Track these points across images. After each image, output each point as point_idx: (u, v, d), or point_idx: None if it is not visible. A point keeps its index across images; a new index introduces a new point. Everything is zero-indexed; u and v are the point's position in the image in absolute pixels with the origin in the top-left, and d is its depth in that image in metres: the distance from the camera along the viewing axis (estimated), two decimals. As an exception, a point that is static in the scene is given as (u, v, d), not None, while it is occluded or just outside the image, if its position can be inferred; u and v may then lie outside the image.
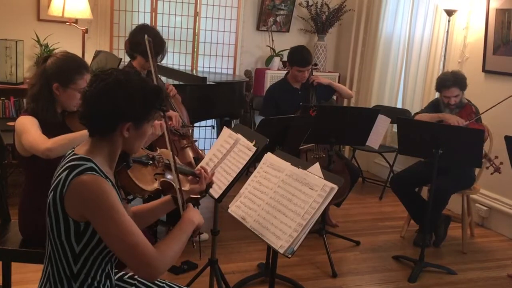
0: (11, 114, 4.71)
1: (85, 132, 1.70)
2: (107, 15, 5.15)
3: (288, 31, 6.05)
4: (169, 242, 1.65)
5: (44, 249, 1.72)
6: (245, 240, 3.75)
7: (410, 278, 3.45)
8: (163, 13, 5.31)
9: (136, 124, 1.65)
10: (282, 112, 3.82)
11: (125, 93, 1.61)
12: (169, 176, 1.97)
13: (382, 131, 4.25)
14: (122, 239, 1.54)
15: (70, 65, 2.35)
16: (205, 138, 5.41)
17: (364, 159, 5.76)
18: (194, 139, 3.90)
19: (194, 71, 5.48)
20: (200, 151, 3.61)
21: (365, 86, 5.82)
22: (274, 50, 5.89)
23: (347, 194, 4.13)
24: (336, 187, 1.96)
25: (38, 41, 4.96)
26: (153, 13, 5.28)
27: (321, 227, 3.78)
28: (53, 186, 1.61)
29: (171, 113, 3.35)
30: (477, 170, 3.98)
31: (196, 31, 5.47)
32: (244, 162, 2.36)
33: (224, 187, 2.36)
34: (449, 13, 4.59)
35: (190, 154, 3.49)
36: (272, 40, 5.91)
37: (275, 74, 5.75)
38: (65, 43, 4.95)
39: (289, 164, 2.17)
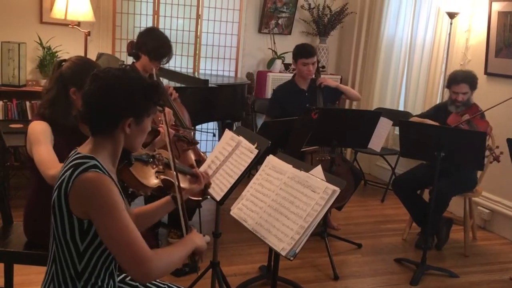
0: (14, 116, 4.72)
1: None
2: (109, 18, 5.17)
3: (290, 33, 6.06)
4: (167, 250, 1.69)
5: (48, 251, 1.73)
6: (247, 243, 3.75)
7: (412, 281, 3.44)
8: (165, 16, 5.32)
9: (137, 119, 1.68)
10: (288, 114, 3.82)
11: (125, 89, 1.64)
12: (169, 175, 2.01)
13: (384, 133, 4.24)
14: (119, 236, 1.55)
15: (86, 69, 2.36)
16: (206, 140, 5.41)
17: (366, 162, 5.76)
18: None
19: (196, 73, 5.48)
20: (202, 154, 3.62)
21: (367, 88, 5.82)
22: (276, 53, 5.89)
23: (350, 197, 4.14)
24: (338, 190, 1.96)
25: (41, 44, 4.98)
26: (156, 15, 5.29)
27: (323, 230, 3.78)
28: (57, 184, 1.63)
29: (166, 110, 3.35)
30: (479, 173, 3.98)
31: (198, 33, 5.48)
32: (246, 165, 2.36)
33: (226, 190, 2.36)
34: (451, 15, 4.60)
35: (192, 156, 3.49)
36: (274, 43, 5.92)
37: (277, 76, 5.75)
38: (68, 46, 4.97)
39: (291, 166, 2.17)
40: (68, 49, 4.89)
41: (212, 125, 5.43)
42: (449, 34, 4.71)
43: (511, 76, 4.25)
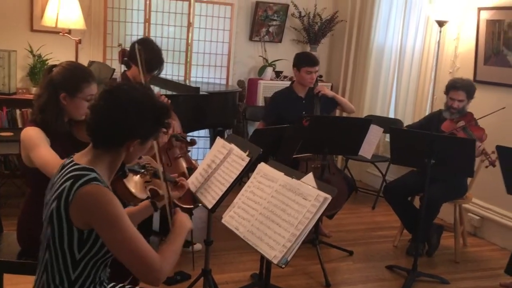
0: (4, 125, 4.69)
1: None
2: (100, 25, 5.16)
3: (280, 41, 6.09)
4: (168, 247, 1.70)
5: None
6: (239, 250, 3.75)
7: (403, 287, 3.45)
8: (156, 24, 5.32)
9: (143, 140, 1.70)
10: (284, 120, 3.84)
11: (138, 111, 1.65)
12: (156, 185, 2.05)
13: (374, 140, 4.26)
14: (128, 247, 1.57)
15: (77, 74, 2.35)
16: (198, 148, 5.41)
17: (356, 169, 5.78)
18: (187, 149, 3.91)
19: (187, 81, 5.49)
20: (193, 161, 3.61)
21: (357, 96, 5.85)
22: (267, 60, 5.92)
23: (342, 206, 4.15)
24: (329, 197, 1.97)
25: (31, 52, 4.96)
26: (147, 23, 5.30)
27: (314, 237, 3.78)
28: (56, 194, 1.62)
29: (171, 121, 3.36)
30: (469, 180, 4.01)
31: (189, 41, 5.49)
32: (238, 172, 2.36)
33: (217, 197, 2.36)
34: (440, 24, 4.64)
35: (184, 164, 3.49)
36: (265, 50, 5.94)
37: (268, 84, 5.78)
38: (59, 54, 4.96)
39: (282, 174, 2.18)
40: (59, 57, 4.88)
41: (203, 133, 5.43)
42: (438, 42, 4.76)
43: (500, 84, 4.30)
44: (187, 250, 3.49)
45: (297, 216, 1.98)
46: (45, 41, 4.99)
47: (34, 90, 4.80)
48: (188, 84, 5.15)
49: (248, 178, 2.33)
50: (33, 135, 2.28)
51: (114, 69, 4.21)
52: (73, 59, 4.69)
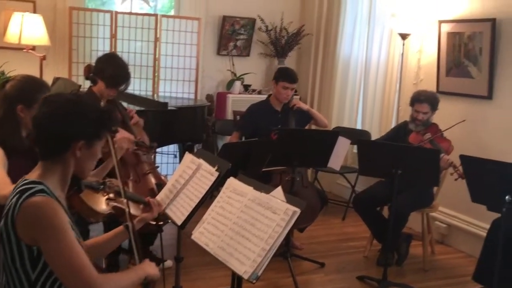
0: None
1: None
2: (65, 41, 5.10)
3: (248, 55, 6.12)
4: (116, 275, 1.69)
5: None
6: (209, 266, 3.72)
7: (375, 297, 3.48)
8: (123, 39, 5.29)
9: (88, 142, 1.67)
10: (260, 133, 3.85)
11: (78, 111, 1.65)
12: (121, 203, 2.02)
13: (342, 152, 4.30)
14: (68, 261, 1.54)
15: (32, 85, 2.33)
16: (167, 163, 5.36)
17: (326, 181, 5.82)
18: (156, 164, 3.87)
19: (156, 96, 5.46)
20: (163, 177, 3.58)
21: (325, 108, 5.92)
22: (235, 74, 5.94)
23: (315, 219, 4.17)
24: (298, 211, 1.97)
25: (-6, 69, 4.86)
26: (113, 38, 5.26)
27: (286, 250, 3.78)
28: (4, 212, 1.61)
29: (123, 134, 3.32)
30: (435, 189, 4.08)
31: (157, 56, 5.47)
32: (207, 188, 2.35)
33: (187, 213, 2.34)
34: (403, 36, 4.75)
35: (152, 180, 3.46)
36: (233, 64, 5.97)
37: (236, 98, 5.79)
38: (23, 70, 4.78)
39: (251, 188, 2.18)
40: (23, 73, 4.79)
41: (172, 148, 5.40)
42: (402, 54, 4.86)
43: (462, 94, 4.42)
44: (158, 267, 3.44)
45: (267, 231, 1.98)
46: (8, 58, 4.89)
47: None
48: (156, 99, 5.12)
49: (219, 192, 2.33)
50: None
51: (80, 85, 4.16)
52: (38, 76, 4.62)
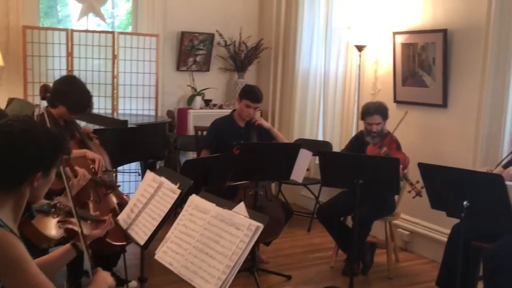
0: None
1: None
2: (19, 61, 4.97)
3: (208, 70, 6.12)
4: None
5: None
6: (174, 286, 3.61)
7: (342, 308, 3.50)
8: (79, 57, 5.21)
9: (45, 172, 1.63)
10: (223, 148, 3.84)
11: (33, 144, 1.59)
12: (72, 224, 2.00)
13: (305, 164, 4.33)
14: None
15: None
16: (129, 181, 5.28)
17: (290, 193, 5.84)
18: (117, 184, 3.81)
19: (115, 114, 5.38)
20: (125, 196, 3.52)
21: (286, 120, 5.97)
22: (195, 89, 5.93)
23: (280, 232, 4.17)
24: (261, 226, 1.97)
25: None
26: (69, 57, 5.17)
27: (252, 265, 3.77)
28: None
29: (93, 155, 3.27)
30: (396, 197, 4.15)
31: (115, 73, 5.40)
32: (169, 206, 2.33)
33: (149, 233, 2.31)
34: (359, 48, 4.85)
35: (114, 200, 3.40)
36: (193, 80, 5.96)
37: (197, 113, 5.78)
38: (-25, 92, 4.73)
39: (214, 205, 2.16)
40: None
41: (134, 165, 5.32)
42: (359, 66, 4.96)
43: (418, 103, 4.52)
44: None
45: (231, 247, 1.97)
46: (-41, 79, 4.76)
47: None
48: (115, 117, 5.05)
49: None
50: None
51: (36, 105, 4.06)
52: (-9, 97, 4.50)
